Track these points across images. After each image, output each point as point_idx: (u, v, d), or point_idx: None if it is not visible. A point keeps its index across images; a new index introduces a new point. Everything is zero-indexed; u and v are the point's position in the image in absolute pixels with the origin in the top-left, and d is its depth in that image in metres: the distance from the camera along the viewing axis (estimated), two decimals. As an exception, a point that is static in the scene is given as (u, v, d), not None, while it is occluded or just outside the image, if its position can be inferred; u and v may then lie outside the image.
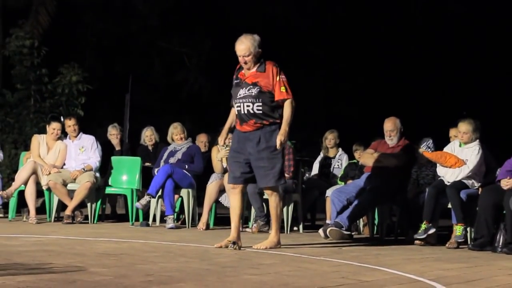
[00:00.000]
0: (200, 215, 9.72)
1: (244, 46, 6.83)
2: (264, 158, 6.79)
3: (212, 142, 10.58)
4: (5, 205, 10.11)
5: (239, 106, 6.85)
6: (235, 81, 6.99)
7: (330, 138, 10.67)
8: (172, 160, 9.92)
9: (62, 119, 10.44)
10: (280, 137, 6.71)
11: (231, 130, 7.24)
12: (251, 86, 6.82)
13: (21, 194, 9.72)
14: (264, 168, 6.82)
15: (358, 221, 9.83)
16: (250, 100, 6.80)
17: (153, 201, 9.63)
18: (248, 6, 19.81)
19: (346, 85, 21.46)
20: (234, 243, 6.75)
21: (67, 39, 18.38)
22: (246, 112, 6.81)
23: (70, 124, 10.13)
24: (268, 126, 6.80)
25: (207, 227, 9.46)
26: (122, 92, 18.01)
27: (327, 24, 20.71)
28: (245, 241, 7.35)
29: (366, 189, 8.69)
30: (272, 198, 6.99)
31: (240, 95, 6.85)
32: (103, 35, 19.56)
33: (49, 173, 9.63)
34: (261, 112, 6.78)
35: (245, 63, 6.86)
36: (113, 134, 11.16)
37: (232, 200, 7.10)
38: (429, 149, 8.85)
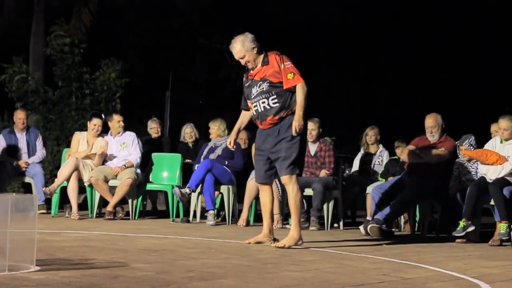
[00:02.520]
0: (240, 211, 9.73)
1: (236, 50, 6.74)
2: (282, 149, 6.63)
3: (252, 138, 10.58)
4: (48, 201, 10.22)
5: (256, 106, 6.72)
6: (246, 83, 6.85)
7: (370, 135, 10.61)
8: (212, 156, 9.94)
9: (103, 116, 10.53)
10: (295, 123, 6.51)
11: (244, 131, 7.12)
12: (261, 82, 6.69)
13: (64, 190, 9.82)
14: (281, 158, 6.65)
15: (399, 218, 9.78)
16: (264, 96, 6.66)
17: (194, 198, 9.67)
18: (287, 4, 19.79)
19: (387, 81, 21.33)
20: (274, 239, 6.71)
21: (109, 37, 18.53)
22: (263, 109, 6.67)
23: (119, 119, 10.20)
24: (287, 118, 6.63)
25: (247, 224, 9.47)
26: (162, 89, 18.12)
27: (365, 20, 20.60)
28: (284, 237, 7.35)
29: (407, 185, 8.64)
30: (289, 188, 6.71)
31: (253, 94, 6.73)
32: (144, 33, 19.69)
33: (117, 174, 9.76)
34: (278, 104, 6.62)
35: (246, 63, 6.77)
36: (153, 127, 11.25)
37: (261, 197, 7.02)
38: (471, 147, 8.74)
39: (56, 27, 14.07)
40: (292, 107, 6.63)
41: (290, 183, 6.68)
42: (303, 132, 6.67)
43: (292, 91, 6.64)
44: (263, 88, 6.68)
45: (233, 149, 7.35)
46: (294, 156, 6.60)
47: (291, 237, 6.64)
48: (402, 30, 20.71)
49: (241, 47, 6.70)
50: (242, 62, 6.78)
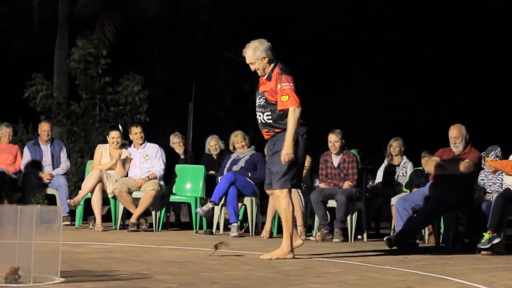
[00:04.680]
0: (263, 223, 9.71)
1: (247, 55, 6.73)
2: (274, 162, 6.64)
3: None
4: (72, 213, 10.27)
5: (256, 114, 6.78)
6: (258, 86, 6.86)
7: (395, 146, 10.55)
8: (235, 168, 9.94)
9: (120, 128, 10.57)
10: (283, 151, 6.47)
11: None
12: (260, 96, 6.71)
13: (87, 202, 9.87)
14: (273, 171, 6.66)
15: (423, 230, 9.71)
16: (260, 110, 6.70)
17: (217, 209, 9.67)
18: (311, 15, 19.81)
19: (412, 92, 21.25)
20: (215, 246, 6.57)
21: (134, 48, 18.63)
22: (259, 121, 6.74)
23: (137, 131, 10.24)
24: (280, 134, 6.62)
25: (271, 235, 9.45)
26: (186, 101, 18.16)
27: (390, 32, 20.56)
28: (309, 250, 7.34)
29: (432, 197, 8.58)
30: (280, 201, 6.69)
31: (256, 104, 6.78)
32: (169, 45, 19.77)
33: (140, 184, 9.80)
34: (271, 121, 6.63)
35: (256, 70, 6.76)
36: (176, 142, 11.25)
37: (270, 204, 7.02)
38: (497, 158, 8.67)
39: (80, 40, 14.18)
40: (285, 125, 6.56)
41: (280, 196, 6.67)
42: (300, 146, 6.61)
43: (286, 112, 6.57)
44: (261, 102, 6.71)
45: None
46: (284, 170, 6.57)
47: (280, 249, 6.61)
48: (427, 41, 20.65)
49: (252, 54, 6.70)
50: (252, 68, 6.79)
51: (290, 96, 6.51)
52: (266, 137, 6.80)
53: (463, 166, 8.59)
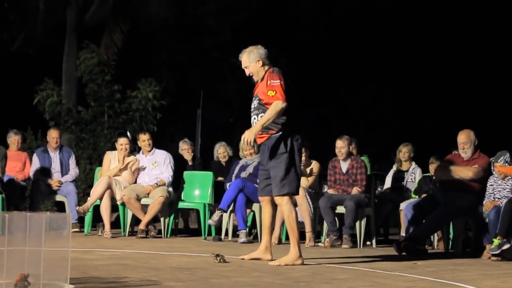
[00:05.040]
0: (272, 229, 9.69)
1: (242, 59, 6.79)
2: (270, 168, 6.64)
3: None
4: (81, 220, 10.28)
5: (252, 119, 6.76)
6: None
7: (404, 151, 10.53)
8: (243, 174, 9.93)
9: (128, 135, 10.58)
10: (244, 133, 6.49)
11: None
12: (254, 98, 6.74)
13: (96, 208, 9.88)
14: (271, 177, 6.65)
15: (432, 236, 9.69)
16: (255, 112, 6.70)
17: (225, 216, 9.67)
18: (318, 21, 19.82)
19: (418, 98, 21.24)
20: (217, 255, 6.58)
21: (141, 56, 18.68)
22: (254, 124, 6.70)
23: (145, 138, 10.26)
24: (274, 135, 6.60)
25: (280, 242, 9.44)
26: (194, 107, 18.19)
27: (399, 37, 20.56)
28: (318, 256, 7.33)
29: (441, 203, 8.56)
30: (281, 209, 6.72)
31: (251, 108, 6.79)
32: (177, 52, 19.82)
33: (149, 192, 9.82)
34: None
35: (250, 74, 6.77)
36: (184, 149, 11.25)
37: (262, 212, 7.00)
38: (506, 163, 8.65)
39: (83, 51, 14.23)
40: (280, 125, 6.57)
41: (282, 203, 6.68)
42: (291, 149, 6.59)
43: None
44: (255, 104, 6.72)
45: None
46: (280, 175, 6.56)
47: (289, 256, 6.60)
48: (435, 45, 20.63)
49: (246, 57, 6.75)
50: (247, 72, 6.80)
51: (277, 92, 6.50)
52: (259, 141, 6.76)
53: (472, 172, 8.58)
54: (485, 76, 20.59)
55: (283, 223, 9.58)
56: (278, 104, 6.48)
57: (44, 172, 10.62)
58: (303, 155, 9.55)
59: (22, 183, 10.68)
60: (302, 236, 9.49)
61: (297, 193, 6.89)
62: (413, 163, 10.53)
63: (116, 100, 14.04)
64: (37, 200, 10.49)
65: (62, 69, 16.34)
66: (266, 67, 6.72)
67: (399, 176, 10.51)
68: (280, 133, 6.59)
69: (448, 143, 10.13)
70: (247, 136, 6.51)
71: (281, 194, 6.61)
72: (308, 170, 9.59)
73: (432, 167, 10.03)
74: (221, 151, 11.06)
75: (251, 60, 6.72)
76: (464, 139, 8.73)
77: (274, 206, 6.87)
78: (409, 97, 21.36)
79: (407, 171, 10.47)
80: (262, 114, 6.60)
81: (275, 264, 6.44)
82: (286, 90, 6.55)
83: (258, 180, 7.04)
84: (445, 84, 20.98)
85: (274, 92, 6.51)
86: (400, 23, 20.40)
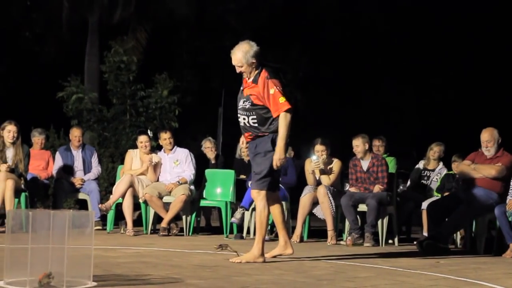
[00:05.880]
0: (293, 227, 9.70)
1: (236, 57, 6.65)
2: (255, 163, 6.62)
3: (299, 152, 10.57)
4: (103, 218, 10.33)
5: (239, 117, 6.72)
6: (240, 91, 6.82)
7: (435, 150, 10.46)
8: (265, 172, 9.91)
9: (149, 133, 10.60)
10: (275, 156, 6.45)
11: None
12: (245, 99, 6.65)
13: (119, 206, 9.92)
14: (253, 172, 6.66)
15: (455, 234, 9.64)
16: (245, 113, 6.64)
17: (247, 214, 9.67)
18: (340, 19, 19.78)
19: (441, 95, 21.14)
20: (220, 245, 6.52)
21: (163, 55, 18.73)
22: (243, 124, 6.69)
23: (166, 137, 10.28)
24: (262, 137, 6.59)
25: (301, 240, 9.43)
26: (215, 106, 18.22)
27: (420, 35, 20.48)
28: (340, 254, 7.31)
29: (463, 201, 8.52)
30: (256, 204, 6.68)
31: (239, 106, 6.73)
32: (198, 51, 19.87)
33: (171, 190, 9.84)
34: (256, 124, 6.58)
35: (242, 72, 6.69)
36: (208, 147, 11.26)
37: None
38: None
39: (115, 43, 14.27)
40: (271, 129, 6.53)
41: (257, 198, 6.63)
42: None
43: (271, 116, 6.53)
44: (246, 105, 6.64)
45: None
46: (264, 172, 6.54)
47: (251, 253, 6.53)
48: (458, 44, 20.52)
49: (242, 57, 6.62)
50: (238, 70, 6.72)
51: (282, 101, 6.43)
52: (247, 140, 6.76)
53: (495, 170, 8.53)
54: (510, 73, 20.44)
55: (304, 221, 9.59)
56: (287, 117, 6.44)
57: (67, 171, 10.68)
58: (324, 153, 9.60)
59: (45, 181, 10.75)
60: (323, 234, 9.54)
61: (277, 190, 6.84)
62: (441, 164, 10.47)
63: (138, 99, 14.09)
64: (60, 198, 10.55)
65: (84, 68, 16.44)
66: (259, 68, 6.63)
67: (425, 174, 10.45)
68: (272, 134, 6.55)
69: (471, 142, 10.07)
70: (278, 162, 6.47)
71: (260, 189, 6.57)
72: (328, 168, 9.57)
73: (455, 165, 9.99)
74: (244, 150, 11.05)
75: (247, 61, 6.60)
76: (488, 137, 8.68)
77: (271, 201, 6.75)
78: (431, 95, 21.27)
79: (433, 170, 10.41)
80: (254, 117, 6.56)
81: (236, 261, 6.35)
82: (284, 94, 6.49)
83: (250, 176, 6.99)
84: (468, 82, 20.86)
85: (284, 98, 6.44)
86: (421, 21, 20.32)
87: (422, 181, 10.41)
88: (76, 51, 16.96)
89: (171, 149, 10.25)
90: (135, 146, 10.65)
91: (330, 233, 9.31)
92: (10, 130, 9.59)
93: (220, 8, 19.14)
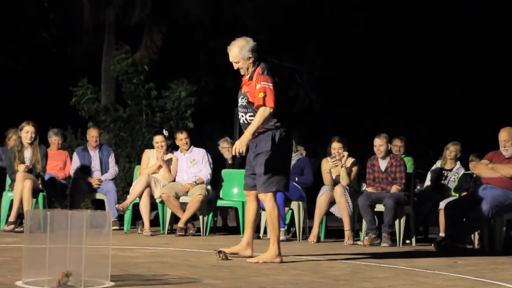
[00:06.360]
0: (310, 227, 9.69)
1: (232, 53, 6.63)
2: (257, 164, 6.51)
3: (323, 154, 10.54)
4: (120, 218, 10.36)
5: (239, 114, 6.67)
6: (239, 89, 6.76)
7: (451, 150, 10.41)
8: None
9: (165, 132, 10.61)
10: (236, 144, 6.35)
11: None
12: (243, 96, 6.59)
13: (135, 206, 9.95)
14: (257, 174, 6.53)
15: (473, 235, 9.59)
16: (243, 110, 6.58)
17: (264, 214, 9.66)
18: (358, 20, 19.75)
19: (458, 95, 21.05)
20: (219, 252, 6.53)
21: (179, 56, 18.76)
22: (242, 121, 6.62)
23: (182, 137, 10.30)
24: (262, 134, 6.47)
25: (318, 240, 9.41)
26: (231, 106, 18.21)
27: (436, 36, 20.40)
28: (357, 254, 7.29)
29: (481, 201, 8.47)
30: (265, 205, 6.59)
31: (238, 103, 6.66)
32: (214, 52, 19.89)
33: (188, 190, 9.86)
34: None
35: (239, 69, 6.64)
36: (225, 147, 11.28)
37: (247, 207, 6.86)
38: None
39: (117, 51, 14.33)
40: (269, 125, 6.44)
41: (265, 200, 6.55)
42: (284, 146, 6.50)
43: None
44: (243, 102, 6.59)
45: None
46: (269, 173, 6.44)
47: (268, 253, 6.48)
48: (477, 42, 20.42)
49: (238, 53, 6.59)
50: (235, 66, 6.67)
51: (267, 95, 6.34)
52: None
53: (513, 169, 8.49)
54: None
55: (321, 221, 9.57)
56: (265, 111, 6.33)
57: (84, 171, 10.72)
58: (341, 150, 9.58)
59: (63, 181, 10.80)
60: (340, 235, 9.52)
61: (286, 190, 6.79)
62: (458, 163, 10.41)
63: (153, 98, 14.11)
64: (77, 198, 10.60)
65: (101, 68, 16.50)
66: (256, 64, 6.58)
67: (442, 174, 10.41)
68: (271, 131, 6.46)
69: (489, 141, 10.01)
70: (238, 146, 6.34)
71: (266, 192, 6.50)
72: (344, 167, 9.54)
73: (472, 165, 9.94)
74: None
75: (243, 57, 6.56)
76: (506, 136, 8.64)
77: (251, 198, 6.74)
78: (449, 94, 21.17)
79: (450, 170, 10.36)
80: (251, 113, 6.49)
81: (253, 262, 6.32)
82: (275, 92, 6.40)
83: (244, 175, 6.89)
84: (487, 81, 20.75)
85: (264, 94, 6.34)
86: (439, 19, 20.24)
87: (439, 181, 10.37)
88: (94, 52, 17.02)
89: (187, 149, 10.26)
90: (151, 146, 10.68)
91: (347, 233, 9.30)
92: (28, 131, 9.65)
93: (237, 8, 19.16)
